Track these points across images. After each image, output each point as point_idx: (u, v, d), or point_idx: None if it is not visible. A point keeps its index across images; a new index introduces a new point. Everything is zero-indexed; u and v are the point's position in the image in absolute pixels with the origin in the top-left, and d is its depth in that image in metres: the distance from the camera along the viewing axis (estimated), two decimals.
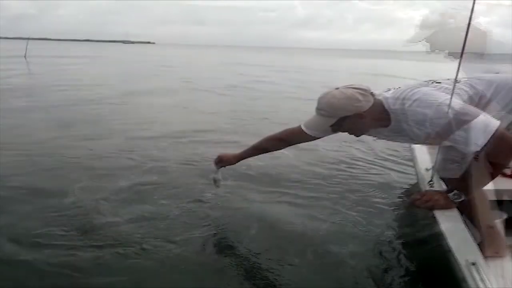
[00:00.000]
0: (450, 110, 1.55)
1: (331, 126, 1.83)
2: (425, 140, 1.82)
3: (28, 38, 26.61)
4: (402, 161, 3.93)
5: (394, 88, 1.82)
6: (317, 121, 1.85)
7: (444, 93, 1.67)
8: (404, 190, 3.18)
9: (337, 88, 1.77)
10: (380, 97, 1.79)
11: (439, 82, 1.78)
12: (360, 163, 3.92)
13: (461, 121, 1.55)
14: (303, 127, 1.98)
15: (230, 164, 2.34)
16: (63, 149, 4.10)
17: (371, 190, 3.09)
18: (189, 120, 6.13)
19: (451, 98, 1.56)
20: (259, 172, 3.37)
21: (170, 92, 9.58)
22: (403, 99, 1.71)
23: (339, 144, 4.45)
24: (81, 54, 32.38)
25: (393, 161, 3.96)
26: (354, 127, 1.83)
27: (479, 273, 1.24)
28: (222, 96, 9.15)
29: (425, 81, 1.83)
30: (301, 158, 3.89)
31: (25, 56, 22.77)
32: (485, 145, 1.51)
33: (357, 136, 1.92)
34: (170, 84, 11.37)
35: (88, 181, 3.11)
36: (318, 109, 1.81)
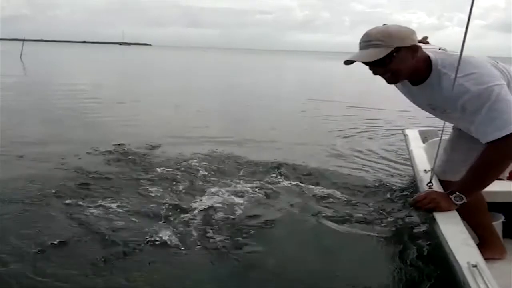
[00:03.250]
0: (495, 94, 1.52)
1: (377, 61, 1.60)
2: (443, 111, 1.75)
3: (24, 40, 26.43)
4: (399, 161, 3.93)
5: (447, 51, 1.71)
6: (367, 53, 1.61)
7: (501, 76, 1.61)
8: (402, 191, 3.16)
9: (384, 25, 1.63)
10: (429, 53, 1.67)
11: (497, 62, 1.71)
12: (357, 164, 3.91)
13: (492, 108, 1.52)
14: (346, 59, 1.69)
15: None
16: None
17: (368, 191, 3.07)
18: None
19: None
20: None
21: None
22: (456, 68, 1.56)
23: (336, 144, 4.44)
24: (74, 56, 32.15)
25: (390, 162, 3.96)
26: (401, 65, 1.62)
27: (481, 275, 1.23)
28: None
29: (489, 57, 1.74)
30: (297, 157, 3.90)
31: (20, 57, 22.71)
32: (493, 141, 1.51)
33: (391, 80, 1.70)
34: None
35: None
36: (367, 41, 1.61)
